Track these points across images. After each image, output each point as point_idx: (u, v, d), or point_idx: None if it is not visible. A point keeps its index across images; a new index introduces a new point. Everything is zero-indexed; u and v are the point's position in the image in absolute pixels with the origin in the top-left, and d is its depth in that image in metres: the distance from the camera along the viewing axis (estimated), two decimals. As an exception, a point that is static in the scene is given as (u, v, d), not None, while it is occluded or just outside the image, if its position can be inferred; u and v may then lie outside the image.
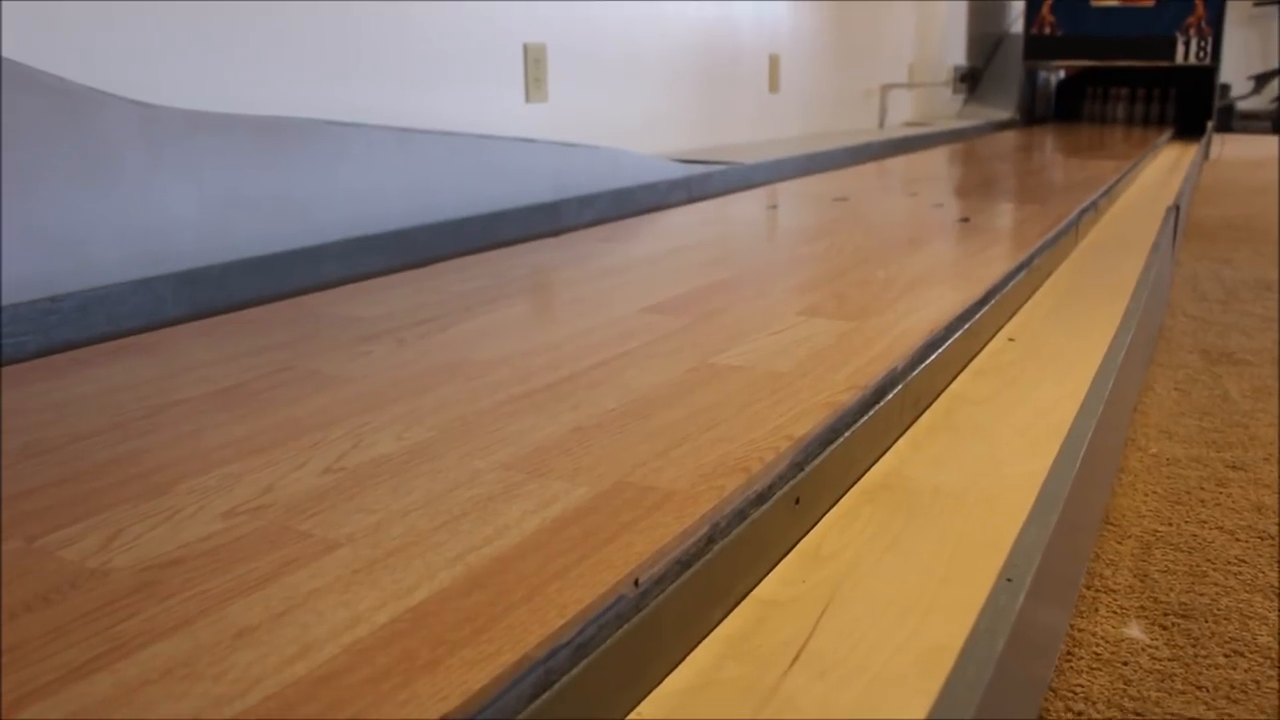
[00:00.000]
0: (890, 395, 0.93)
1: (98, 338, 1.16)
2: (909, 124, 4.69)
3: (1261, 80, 7.65)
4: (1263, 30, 7.87)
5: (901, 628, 0.64)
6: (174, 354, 1.05)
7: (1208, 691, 0.82)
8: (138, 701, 0.47)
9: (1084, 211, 2.12)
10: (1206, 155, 5.31)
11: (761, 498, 0.70)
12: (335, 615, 0.53)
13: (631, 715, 0.55)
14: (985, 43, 6.17)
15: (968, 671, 0.50)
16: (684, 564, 0.61)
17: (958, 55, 5.78)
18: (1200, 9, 5.11)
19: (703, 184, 2.40)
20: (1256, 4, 7.58)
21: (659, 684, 0.58)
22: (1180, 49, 5.18)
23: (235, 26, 1.65)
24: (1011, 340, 1.31)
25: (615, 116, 2.74)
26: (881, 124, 4.53)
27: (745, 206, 2.15)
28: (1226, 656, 0.87)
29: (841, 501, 0.82)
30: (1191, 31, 5.14)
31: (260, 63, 1.71)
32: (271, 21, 1.71)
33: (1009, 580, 0.60)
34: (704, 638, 0.63)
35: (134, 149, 1.35)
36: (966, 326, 1.19)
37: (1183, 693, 0.82)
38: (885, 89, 4.56)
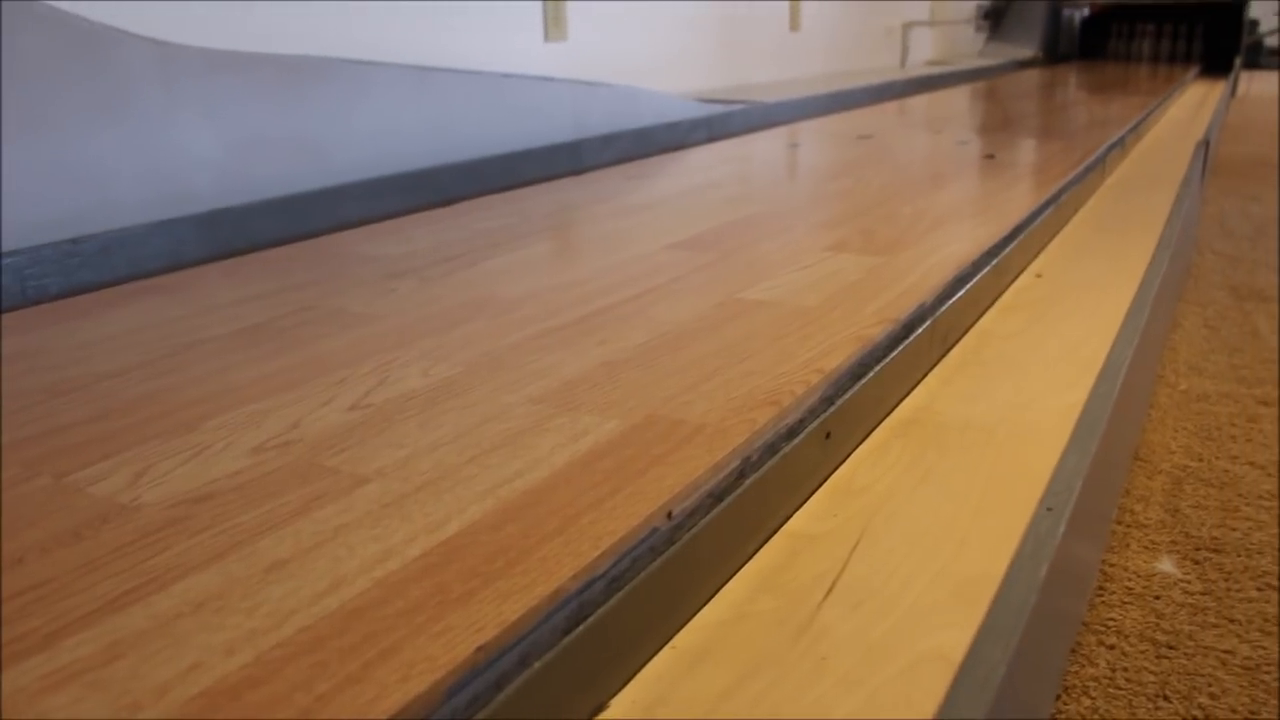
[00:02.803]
0: (919, 330, 0.92)
1: (119, 279, 1.16)
2: (931, 63, 4.62)
3: (1291, 15, 7.48)
4: (1293, -37, 7.68)
5: (936, 559, 0.64)
6: (197, 294, 1.05)
7: (1240, 625, 0.81)
8: (173, 633, 0.47)
9: (1111, 147, 2.09)
10: (1234, 92, 5.22)
11: (792, 431, 0.69)
12: (366, 549, 0.53)
13: (667, 646, 0.55)
14: (1009, -21, 6.06)
15: (1011, 599, 0.50)
16: (716, 497, 0.60)
17: (981, -9, 5.68)
18: (1229, -59, 4.99)
19: (724, 123, 2.37)
20: (1287, -64, 7.40)
21: (693, 616, 0.57)
22: (1208, -17, 5.07)
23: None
24: (1039, 276, 1.29)
25: (635, 55, 2.70)
26: (903, 63, 4.47)
27: (767, 145, 2.13)
28: (1259, 590, 0.86)
29: (872, 436, 0.81)
30: (1220, -35, 5.03)
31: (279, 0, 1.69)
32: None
33: (1049, 510, 0.60)
34: (737, 571, 0.63)
35: (152, 88, 1.34)
36: (994, 262, 1.17)
37: (1215, 626, 0.81)
38: (907, 27, 4.49)
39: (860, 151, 1.96)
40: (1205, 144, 2.22)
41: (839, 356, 0.78)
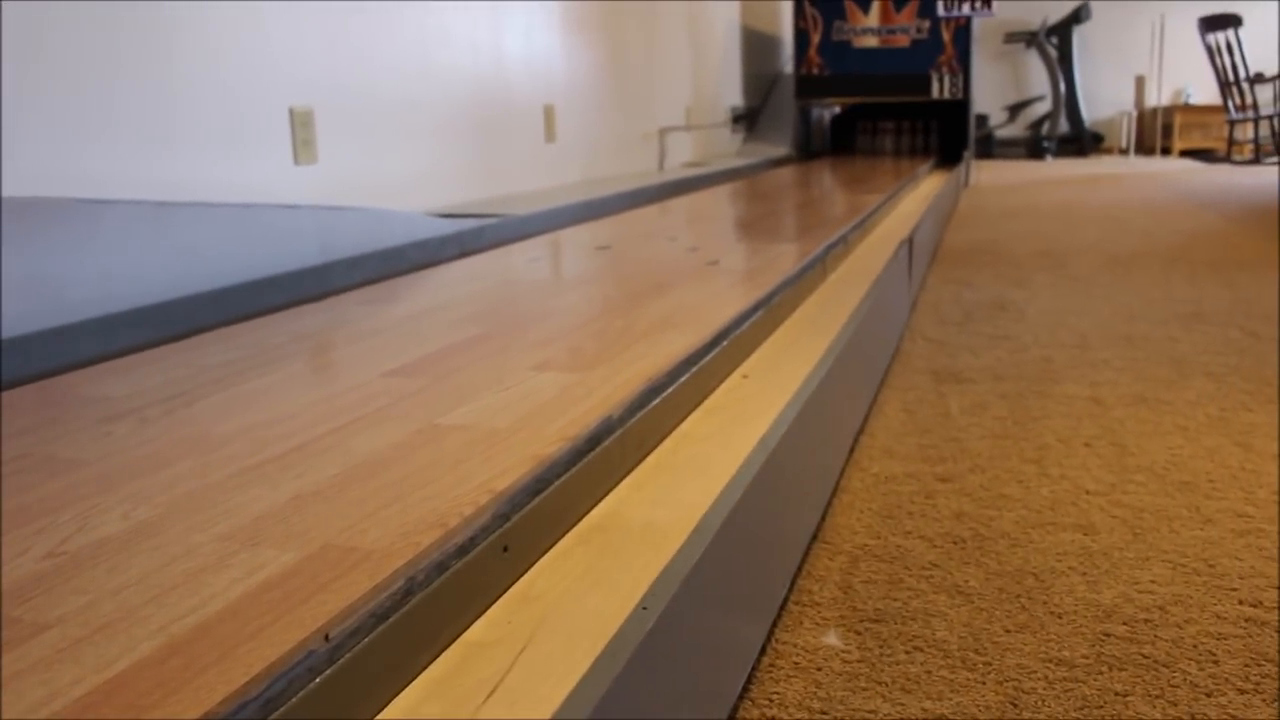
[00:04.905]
0: (607, 441, 1.02)
1: None
2: (689, 164, 4.87)
3: (1015, 110, 8.23)
4: (1014, 63, 8.46)
5: (591, 657, 0.72)
6: (-92, 448, 1.06)
7: (886, 686, 0.93)
8: None
9: (831, 247, 2.28)
10: (966, 182, 5.68)
11: (464, 549, 0.77)
12: (33, 694, 0.58)
13: (327, 758, 0.61)
14: (761, 83, 6.46)
15: (583, 693, 0.58)
16: (380, 616, 0.67)
17: (734, 96, 6.03)
18: (950, 49, 5.49)
19: (475, 238, 2.47)
20: (1005, 40, 8.17)
21: (359, 727, 0.64)
22: (935, 85, 5.55)
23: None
24: (745, 377, 1.41)
25: (390, 172, 2.78)
26: (661, 166, 4.70)
27: (512, 260, 2.23)
28: (907, 653, 0.98)
29: (558, 544, 0.90)
30: (944, 69, 5.51)
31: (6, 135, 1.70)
32: (16, 90, 1.71)
33: (644, 608, 0.69)
34: (410, 682, 0.69)
35: None
36: (695, 368, 1.29)
37: (865, 690, 0.92)
38: (663, 132, 4.73)
39: (595, 264, 2.09)
40: (909, 241, 2.44)
41: (512, 476, 0.87)
